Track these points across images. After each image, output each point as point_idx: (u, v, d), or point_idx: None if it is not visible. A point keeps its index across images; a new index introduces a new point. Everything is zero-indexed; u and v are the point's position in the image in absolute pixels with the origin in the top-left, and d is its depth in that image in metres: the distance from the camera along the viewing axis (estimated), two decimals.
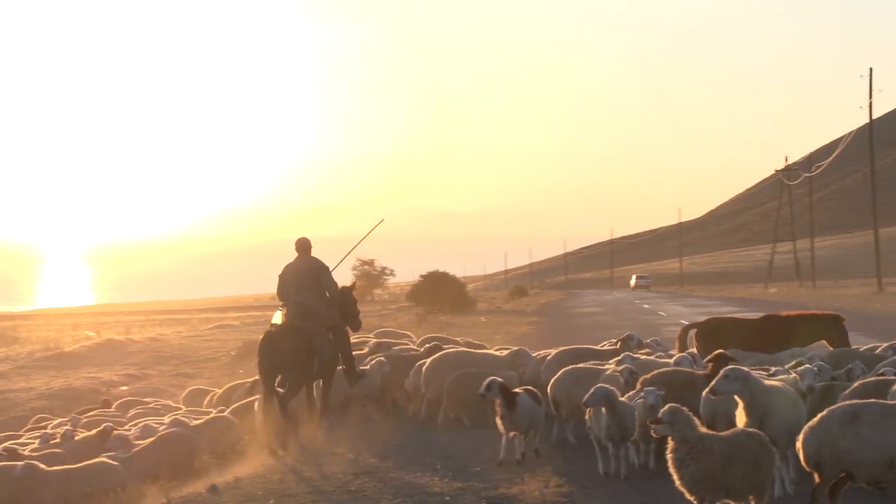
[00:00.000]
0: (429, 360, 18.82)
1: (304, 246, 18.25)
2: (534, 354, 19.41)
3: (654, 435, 10.17)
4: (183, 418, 18.00)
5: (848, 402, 10.30)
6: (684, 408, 9.93)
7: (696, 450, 9.46)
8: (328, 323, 18.08)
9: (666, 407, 9.87)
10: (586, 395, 12.89)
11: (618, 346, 18.90)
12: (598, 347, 19.71)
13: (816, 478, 9.93)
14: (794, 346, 17.59)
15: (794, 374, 12.52)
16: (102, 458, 16.01)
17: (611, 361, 16.55)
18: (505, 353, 20.07)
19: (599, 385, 13.07)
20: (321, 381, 17.96)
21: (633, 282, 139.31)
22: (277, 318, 18.43)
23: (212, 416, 18.60)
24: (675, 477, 9.64)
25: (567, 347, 19.23)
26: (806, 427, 10.08)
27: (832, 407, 10.23)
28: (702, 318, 22.01)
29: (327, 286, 18.12)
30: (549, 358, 18.33)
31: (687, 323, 21.59)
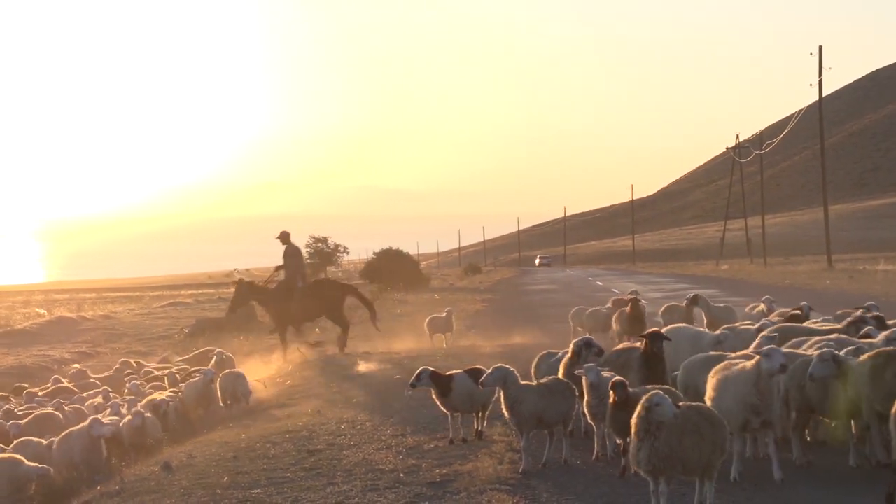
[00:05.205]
0: None
1: (287, 236, 28.46)
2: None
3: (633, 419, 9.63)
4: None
5: None
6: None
7: (651, 428, 9.51)
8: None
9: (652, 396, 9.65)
10: (485, 375, 12.54)
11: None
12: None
13: None
14: None
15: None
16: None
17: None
18: None
19: (499, 365, 12.51)
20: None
21: (537, 261, 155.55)
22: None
23: None
24: (634, 458, 9.65)
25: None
26: None
27: None
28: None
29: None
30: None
31: None
